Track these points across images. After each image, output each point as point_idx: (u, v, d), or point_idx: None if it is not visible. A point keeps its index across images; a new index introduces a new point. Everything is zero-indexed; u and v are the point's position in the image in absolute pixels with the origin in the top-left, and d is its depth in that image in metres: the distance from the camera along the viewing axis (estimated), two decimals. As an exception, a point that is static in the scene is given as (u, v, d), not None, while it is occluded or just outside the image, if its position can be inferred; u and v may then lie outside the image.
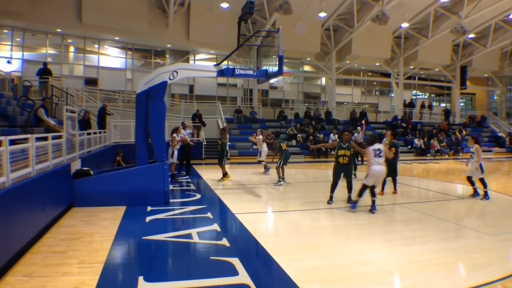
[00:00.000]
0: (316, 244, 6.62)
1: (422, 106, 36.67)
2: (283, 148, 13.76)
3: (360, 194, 9.16)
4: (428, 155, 27.38)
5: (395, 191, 11.51)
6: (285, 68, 10.63)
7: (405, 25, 29.21)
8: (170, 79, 10.04)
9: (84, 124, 15.16)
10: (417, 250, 6.26)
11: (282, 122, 28.64)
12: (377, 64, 34.72)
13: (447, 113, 35.87)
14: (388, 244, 6.57)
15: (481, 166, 10.77)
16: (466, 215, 9.40)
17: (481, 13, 26.79)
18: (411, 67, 35.31)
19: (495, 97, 43.24)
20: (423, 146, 27.63)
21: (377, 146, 9.18)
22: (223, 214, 9.01)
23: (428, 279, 5.05)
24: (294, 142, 26.17)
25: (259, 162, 16.38)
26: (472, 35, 32.36)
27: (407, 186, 13.10)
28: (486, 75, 40.45)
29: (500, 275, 5.16)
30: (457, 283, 4.98)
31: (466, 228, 7.91)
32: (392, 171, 11.19)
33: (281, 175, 13.54)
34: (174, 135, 13.56)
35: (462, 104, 42.86)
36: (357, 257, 5.95)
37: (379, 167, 8.98)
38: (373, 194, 9.15)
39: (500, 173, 18.23)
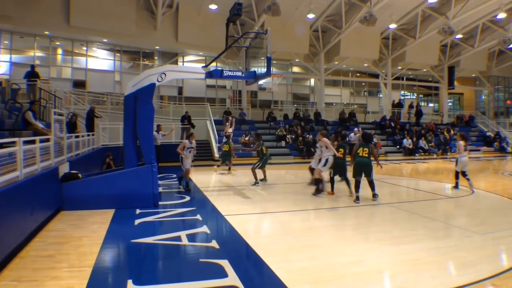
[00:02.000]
0: (306, 245, 6.63)
1: (410, 107, 36.87)
2: (264, 152, 13.67)
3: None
4: (417, 155, 27.54)
5: (351, 194, 11.01)
6: (273, 70, 10.67)
7: (393, 26, 29.39)
8: (158, 81, 10.00)
9: (71, 126, 15.06)
10: (406, 249, 6.29)
11: (271, 123, 28.62)
12: (366, 65, 34.78)
13: (418, 113, 34.70)
14: (377, 243, 6.60)
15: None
16: (455, 214, 9.46)
17: (469, 14, 26.98)
18: (399, 67, 35.53)
19: (483, 97, 43.60)
20: (411, 146, 27.79)
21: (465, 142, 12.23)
22: (212, 216, 8.97)
23: (417, 278, 5.08)
24: (283, 143, 26.19)
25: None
26: (459, 36, 32.58)
27: (396, 186, 13.16)
28: (473, 75, 40.77)
29: (489, 273, 5.20)
30: (446, 282, 5.00)
31: (455, 227, 7.97)
32: (341, 171, 11.25)
33: (257, 176, 13.35)
34: (186, 141, 12.90)
35: (450, 104, 43.17)
36: (346, 257, 5.96)
37: (465, 158, 12.17)
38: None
39: (488, 172, 18.37)
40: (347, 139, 21.41)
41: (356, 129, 22.95)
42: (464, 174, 12.25)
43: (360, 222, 8.42)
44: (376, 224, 8.42)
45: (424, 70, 37.78)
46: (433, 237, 7.04)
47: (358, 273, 5.30)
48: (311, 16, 26.83)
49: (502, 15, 27.66)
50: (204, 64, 17.44)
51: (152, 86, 9.96)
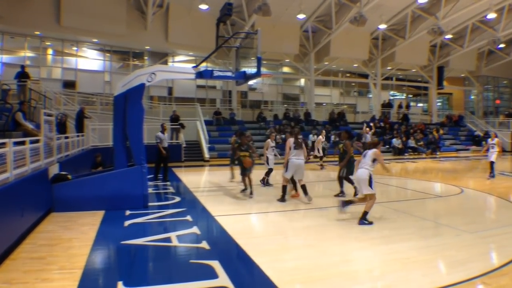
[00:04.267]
0: (296, 244, 6.65)
1: (400, 106, 37.02)
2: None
3: None
4: (406, 154, 27.71)
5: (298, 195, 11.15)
6: (263, 70, 10.67)
7: (382, 26, 29.47)
8: (148, 81, 9.94)
9: (61, 127, 14.96)
10: (396, 248, 6.33)
11: (261, 123, 28.63)
12: (355, 65, 34.84)
13: (404, 116, 35.01)
14: (367, 243, 6.62)
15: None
16: (445, 213, 9.52)
17: (458, 14, 27.05)
18: (389, 68, 35.70)
19: (472, 97, 43.83)
20: (400, 146, 27.96)
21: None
22: (202, 216, 8.96)
23: (407, 277, 5.11)
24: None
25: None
26: (449, 36, 32.66)
27: (385, 185, 13.21)
28: (463, 75, 40.90)
29: (479, 272, 5.23)
30: (436, 280, 5.03)
31: (444, 225, 8.01)
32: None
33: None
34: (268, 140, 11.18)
35: (439, 104, 43.35)
36: (337, 256, 5.99)
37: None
38: None
39: (477, 171, 18.50)
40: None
41: (367, 128, 22.91)
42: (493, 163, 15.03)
43: (350, 222, 8.44)
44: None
45: (414, 70, 37.89)
46: (423, 236, 7.09)
47: (348, 272, 5.33)
48: (301, 16, 26.91)
49: (492, 15, 27.86)
50: (194, 64, 17.47)
51: (142, 86, 9.89)
